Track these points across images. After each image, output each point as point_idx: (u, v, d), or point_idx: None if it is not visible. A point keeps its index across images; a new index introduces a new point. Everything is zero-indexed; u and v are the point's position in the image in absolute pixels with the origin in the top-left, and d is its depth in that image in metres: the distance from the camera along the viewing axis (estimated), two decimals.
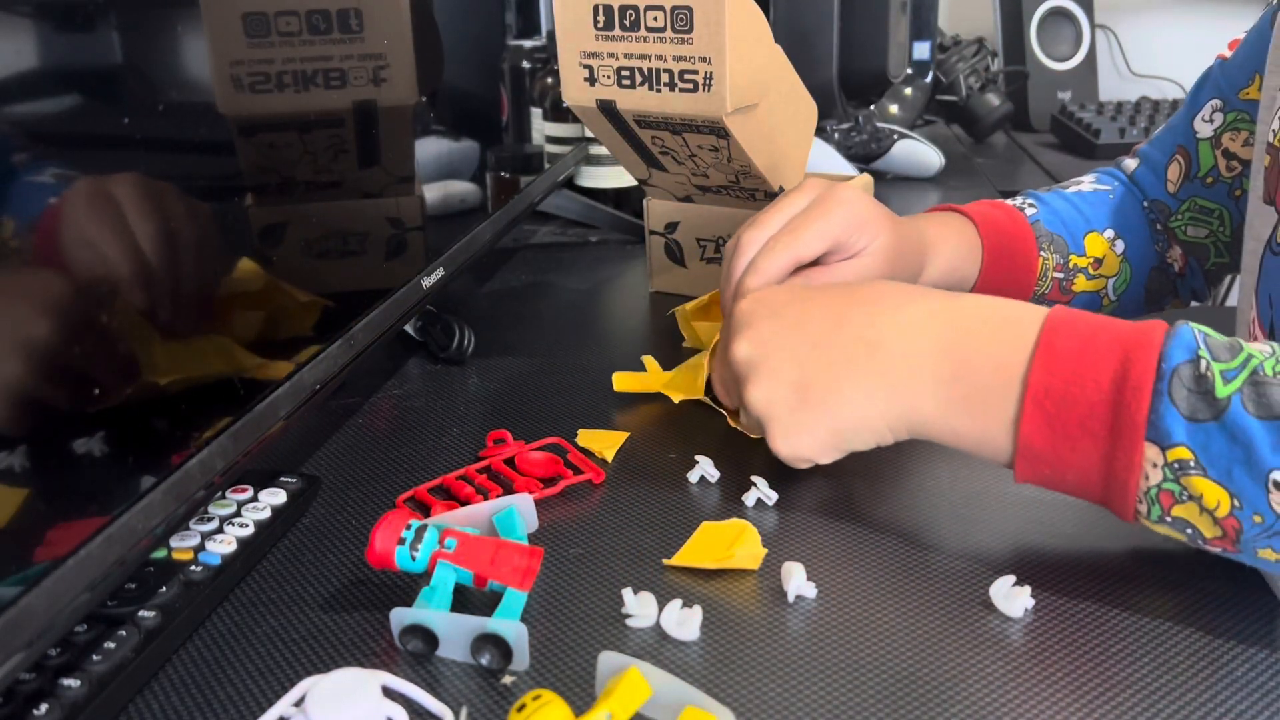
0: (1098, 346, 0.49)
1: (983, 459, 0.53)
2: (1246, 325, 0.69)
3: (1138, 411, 0.47)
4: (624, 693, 0.44)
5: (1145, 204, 0.85)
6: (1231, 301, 1.39)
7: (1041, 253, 0.78)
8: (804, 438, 0.57)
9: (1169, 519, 0.49)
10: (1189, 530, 0.49)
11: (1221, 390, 0.46)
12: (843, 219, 0.65)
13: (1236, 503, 0.46)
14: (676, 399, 0.72)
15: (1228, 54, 0.81)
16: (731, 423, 0.69)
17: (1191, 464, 0.47)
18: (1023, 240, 0.78)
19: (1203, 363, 0.47)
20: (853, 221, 0.65)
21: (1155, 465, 0.47)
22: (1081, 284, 0.80)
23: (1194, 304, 0.91)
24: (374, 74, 0.66)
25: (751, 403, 0.57)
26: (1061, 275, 0.79)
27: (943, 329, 0.54)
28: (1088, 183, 0.86)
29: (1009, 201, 0.83)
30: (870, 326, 0.55)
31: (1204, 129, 0.81)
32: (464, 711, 0.46)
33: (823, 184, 0.68)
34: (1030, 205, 0.82)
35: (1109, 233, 0.82)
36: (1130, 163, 0.88)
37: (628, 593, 0.52)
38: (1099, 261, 0.81)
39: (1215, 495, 0.47)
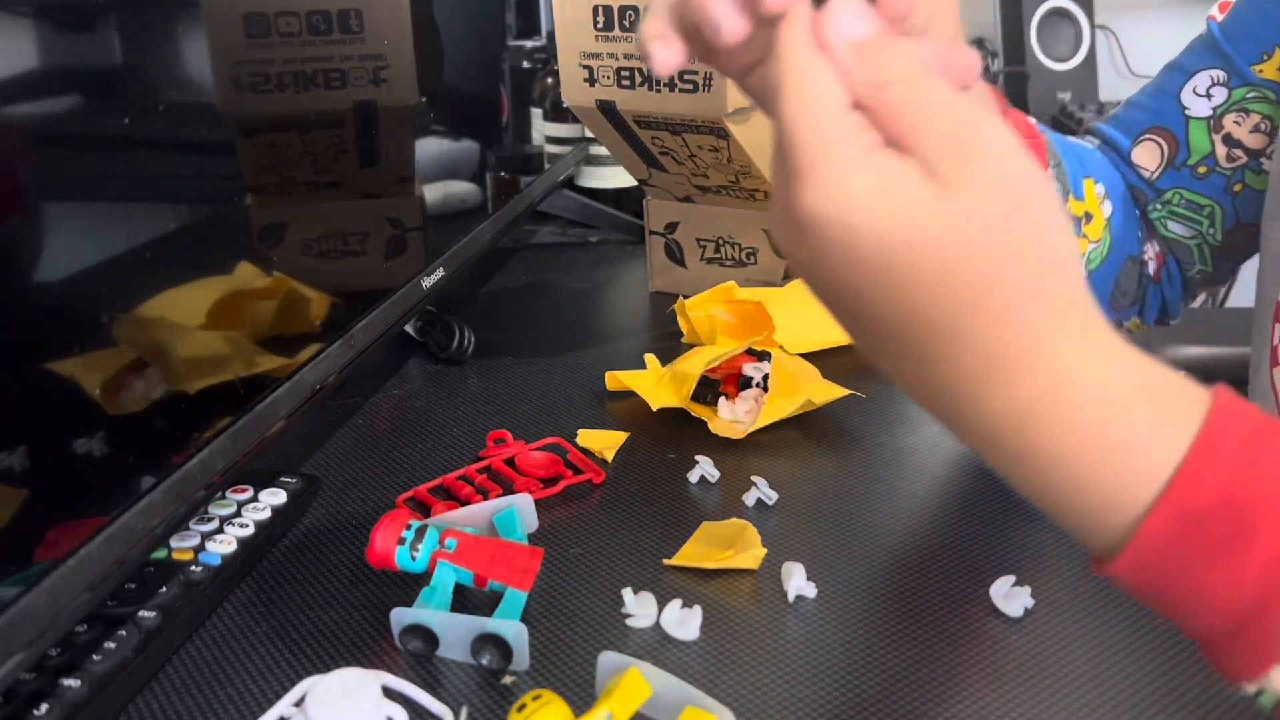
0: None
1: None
2: (1268, 351, 0.58)
3: None
4: (624, 693, 0.44)
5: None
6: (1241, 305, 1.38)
7: (1050, 170, 0.60)
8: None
9: None
10: None
11: None
12: None
13: None
14: (655, 406, 0.71)
15: (1219, 16, 0.67)
16: (714, 429, 0.69)
17: None
18: (1034, 145, 0.58)
19: None
20: None
21: None
22: None
23: (1153, 323, 0.73)
24: (374, 74, 0.66)
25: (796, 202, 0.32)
26: None
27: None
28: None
29: None
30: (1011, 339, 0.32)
31: (1198, 106, 0.65)
32: (464, 711, 0.46)
33: None
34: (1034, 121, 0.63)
35: (1100, 187, 0.65)
36: (1090, 142, 0.71)
37: (628, 593, 0.52)
38: (1088, 217, 0.62)
39: None
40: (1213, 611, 0.32)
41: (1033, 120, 0.61)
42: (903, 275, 0.31)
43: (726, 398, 0.72)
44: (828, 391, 0.71)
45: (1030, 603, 0.52)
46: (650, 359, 0.78)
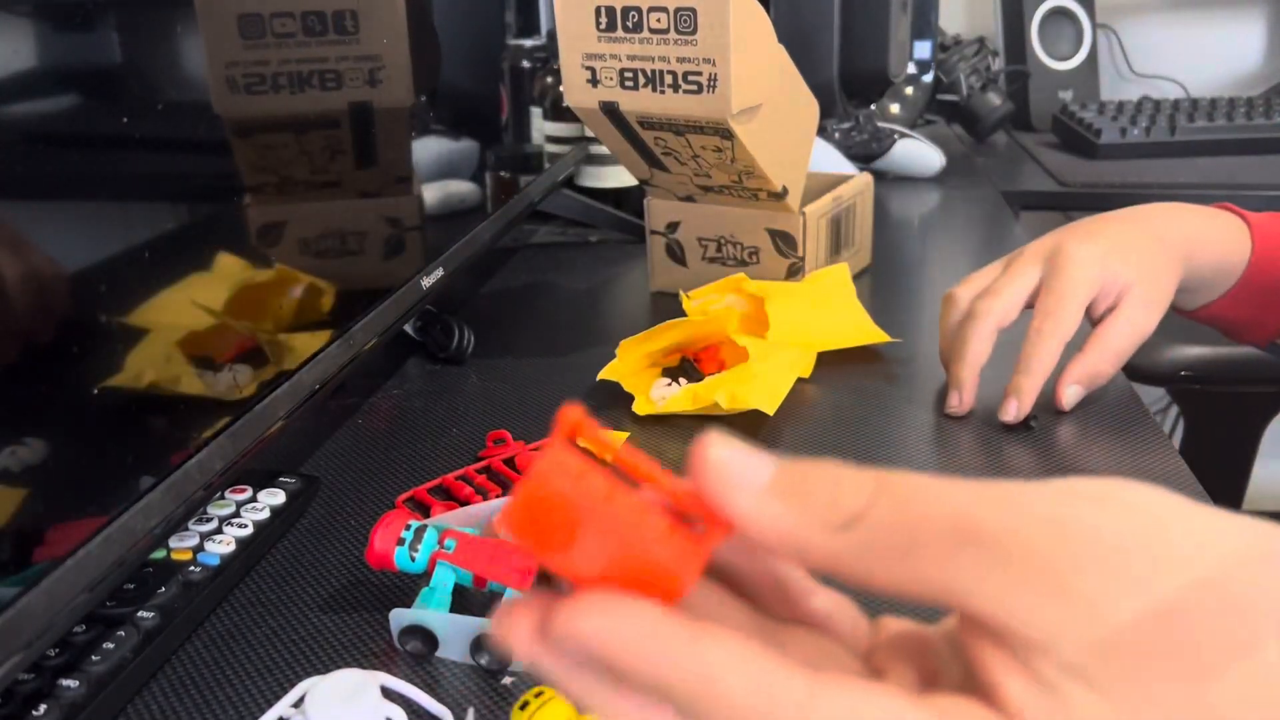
0: None
1: None
2: None
3: None
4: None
5: None
6: None
7: None
8: None
9: None
10: None
11: None
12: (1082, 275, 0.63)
13: None
14: (642, 412, 0.71)
15: None
16: (636, 408, 0.71)
17: None
18: None
19: None
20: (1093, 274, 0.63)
21: None
22: None
23: None
24: (370, 75, 0.66)
25: None
26: None
27: None
28: None
29: None
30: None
31: None
32: (470, 713, 0.46)
33: (1047, 246, 0.67)
34: None
35: None
36: None
37: None
38: None
39: None
40: None
41: None
42: None
43: (694, 378, 0.72)
44: (745, 401, 0.67)
45: None
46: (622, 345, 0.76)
